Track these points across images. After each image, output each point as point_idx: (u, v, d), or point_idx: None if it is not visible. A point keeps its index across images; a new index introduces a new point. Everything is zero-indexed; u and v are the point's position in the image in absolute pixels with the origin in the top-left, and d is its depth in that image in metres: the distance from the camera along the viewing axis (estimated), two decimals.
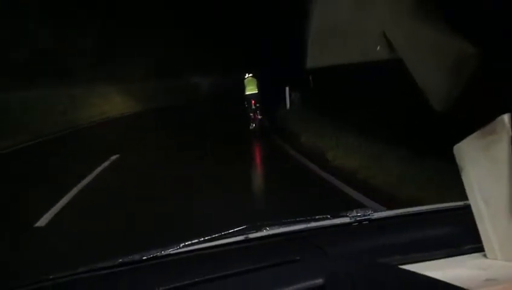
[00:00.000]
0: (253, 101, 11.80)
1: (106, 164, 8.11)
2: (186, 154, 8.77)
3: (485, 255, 0.84)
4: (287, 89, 16.18)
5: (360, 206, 1.27)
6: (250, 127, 11.76)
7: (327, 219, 1.12)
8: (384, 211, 1.16)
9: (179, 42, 28.82)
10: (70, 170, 7.61)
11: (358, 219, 1.10)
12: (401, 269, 0.82)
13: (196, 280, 0.83)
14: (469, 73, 0.86)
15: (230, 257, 0.99)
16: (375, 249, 0.93)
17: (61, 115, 16.47)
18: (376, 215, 1.11)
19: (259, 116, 11.82)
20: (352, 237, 1.05)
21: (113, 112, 20.73)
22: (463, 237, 0.90)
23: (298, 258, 0.90)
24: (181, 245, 1.01)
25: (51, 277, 0.94)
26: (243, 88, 12.19)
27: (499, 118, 0.76)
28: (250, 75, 12.03)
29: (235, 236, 1.04)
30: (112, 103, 22.22)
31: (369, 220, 1.10)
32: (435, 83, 0.92)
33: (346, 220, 1.10)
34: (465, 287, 0.66)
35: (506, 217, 0.78)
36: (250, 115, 11.82)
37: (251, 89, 12.00)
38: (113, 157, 8.63)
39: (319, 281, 0.78)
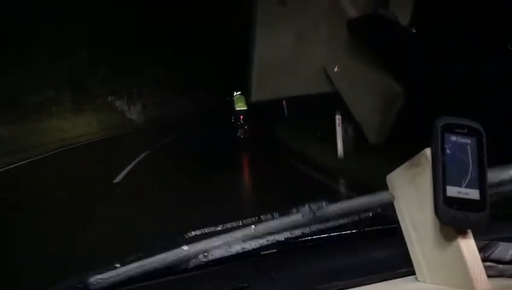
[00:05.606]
0: (241, 117, 14.12)
1: None
2: None
3: (416, 278, 0.89)
4: (338, 118, 9.13)
5: None
6: (238, 134, 14.28)
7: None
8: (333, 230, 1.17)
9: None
10: None
11: (306, 238, 1.11)
12: None
13: None
14: (398, 109, 0.91)
15: (177, 285, 1.01)
16: (316, 275, 0.99)
17: None
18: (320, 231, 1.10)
19: (246, 127, 14.20)
20: (297, 262, 1.09)
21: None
22: (399, 259, 0.95)
23: (246, 285, 0.95)
24: None
25: None
26: (232, 104, 14.29)
27: (423, 151, 0.84)
28: (239, 93, 14.07)
29: None
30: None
31: (316, 240, 1.13)
32: (368, 116, 0.96)
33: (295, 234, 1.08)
34: None
35: (431, 241, 0.84)
36: (238, 129, 14.29)
37: (240, 106, 14.09)
38: None
39: None
